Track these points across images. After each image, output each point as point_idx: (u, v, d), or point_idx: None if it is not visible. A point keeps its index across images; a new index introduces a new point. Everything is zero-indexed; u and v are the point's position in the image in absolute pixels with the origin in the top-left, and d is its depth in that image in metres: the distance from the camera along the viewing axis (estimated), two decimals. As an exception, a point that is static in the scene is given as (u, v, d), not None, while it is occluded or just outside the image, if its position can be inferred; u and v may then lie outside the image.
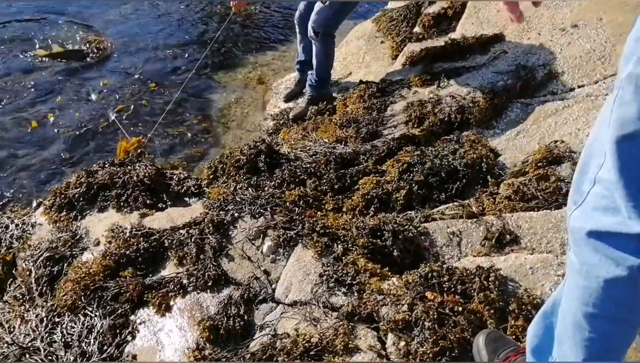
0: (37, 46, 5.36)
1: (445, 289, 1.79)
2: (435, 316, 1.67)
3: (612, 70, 2.79)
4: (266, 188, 2.86)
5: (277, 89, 4.75)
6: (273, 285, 2.18)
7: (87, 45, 5.37)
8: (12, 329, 2.54)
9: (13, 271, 2.97)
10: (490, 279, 1.80)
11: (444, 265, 1.92)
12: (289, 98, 4.49)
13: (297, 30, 4.26)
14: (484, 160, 2.58)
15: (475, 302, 1.72)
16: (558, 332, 1.28)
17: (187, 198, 3.15)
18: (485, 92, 3.04)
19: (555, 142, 2.52)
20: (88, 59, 5.24)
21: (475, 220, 2.26)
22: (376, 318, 1.80)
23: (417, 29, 4.35)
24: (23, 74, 5.04)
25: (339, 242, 2.19)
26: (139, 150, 3.71)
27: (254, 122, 4.49)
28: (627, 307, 1.09)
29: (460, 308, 1.68)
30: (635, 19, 1.01)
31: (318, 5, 3.70)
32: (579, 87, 2.83)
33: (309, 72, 4.11)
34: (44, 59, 5.21)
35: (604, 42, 2.96)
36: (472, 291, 1.77)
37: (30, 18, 5.90)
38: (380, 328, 1.76)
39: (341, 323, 1.79)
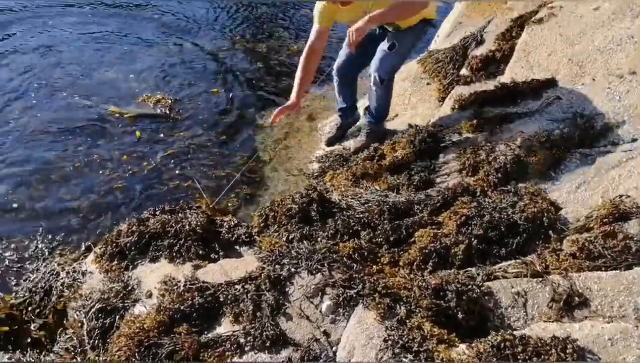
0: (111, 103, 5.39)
1: (520, 361, 1.71)
2: (514, 393, 1.60)
3: (677, 121, 2.70)
4: (319, 239, 2.83)
5: (322, 130, 4.75)
6: (334, 348, 2.13)
7: (154, 104, 5.30)
8: (63, 384, 2.53)
9: (64, 321, 2.98)
10: (567, 351, 1.71)
11: (516, 333, 1.84)
12: (331, 143, 4.50)
13: (337, 81, 4.25)
14: (545, 214, 2.51)
15: (554, 378, 1.65)
16: None
17: (237, 247, 3.13)
18: (542, 141, 2.98)
19: (621, 196, 2.43)
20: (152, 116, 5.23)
21: (540, 279, 2.18)
22: (448, 391, 1.74)
23: (464, 72, 4.33)
24: (83, 120, 5.12)
25: (402, 303, 2.13)
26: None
27: (299, 164, 4.48)
28: None
29: (540, 385, 1.61)
30: None
31: (382, 53, 3.69)
32: (641, 137, 2.75)
33: (366, 114, 4.12)
34: (115, 115, 5.18)
35: (666, 90, 2.88)
36: (550, 365, 1.69)
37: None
38: (453, 402, 1.69)
39: (411, 395, 1.73)
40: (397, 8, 3.28)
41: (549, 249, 2.38)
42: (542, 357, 1.71)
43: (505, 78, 3.88)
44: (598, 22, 3.65)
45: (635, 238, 2.26)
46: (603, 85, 3.16)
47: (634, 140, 2.75)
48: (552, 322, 1.96)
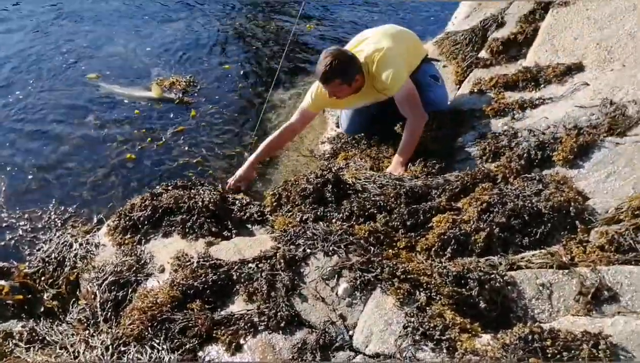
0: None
1: (550, 355, 1.65)
2: (543, 388, 1.54)
3: None
4: (334, 221, 2.77)
5: (335, 111, 4.65)
6: (350, 332, 2.08)
7: (168, 88, 5.17)
8: (76, 354, 2.50)
9: (76, 292, 2.97)
10: (600, 347, 1.65)
11: (545, 326, 1.77)
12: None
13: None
14: (572, 203, 2.42)
15: (585, 374, 1.58)
16: None
17: (249, 225, 3.08)
18: (568, 127, 2.88)
19: (654, 188, 2.35)
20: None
21: (566, 271, 2.11)
22: (471, 383, 1.68)
23: (483, 54, 4.21)
24: (94, 95, 5.10)
25: (422, 289, 2.07)
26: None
27: (310, 145, 4.40)
28: None
29: (570, 381, 1.55)
30: None
31: (435, 90, 3.68)
32: (676, 127, 2.65)
33: None
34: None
35: (702, 79, 2.77)
36: (581, 360, 1.62)
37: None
38: (477, 394, 1.63)
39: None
40: (412, 136, 3.30)
41: (576, 240, 2.30)
42: (573, 352, 1.65)
43: (528, 62, 3.76)
44: (629, 5, 3.52)
45: (668, 232, 2.18)
46: (634, 72, 3.05)
47: (666, 130, 2.66)
48: (581, 316, 1.89)
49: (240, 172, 3.66)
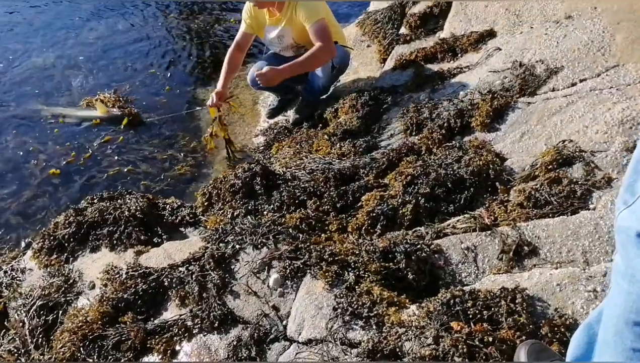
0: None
1: (471, 316, 1.66)
2: (464, 349, 1.55)
3: (613, 62, 2.68)
4: (265, 213, 2.74)
5: (265, 102, 4.62)
6: (284, 322, 2.05)
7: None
8: (9, 387, 2.41)
9: (5, 322, 2.84)
10: (517, 301, 1.68)
11: (466, 289, 1.79)
12: (273, 115, 4.39)
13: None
14: (491, 166, 2.46)
15: (504, 329, 1.60)
16: (599, 341, 1.17)
17: (182, 229, 3.01)
18: (484, 93, 2.93)
19: (564, 141, 2.41)
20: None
21: (489, 232, 2.14)
22: (400, 354, 1.68)
23: (403, 30, 4.25)
24: (13, 114, 4.88)
25: (350, 269, 2.06)
26: None
27: (243, 139, 4.35)
28: None
29: (490, 338, 1.56)
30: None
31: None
32: (580, 81, 2.71)
33: (305, 87, 4.02)
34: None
35: (602, 32, 2.85)
36: (500, 316, 1.65)
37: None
38: (406, 365, 1.63)
39: (363, 362, 1.67)
40: (308, 57, 3.59)
41: (497, 201, 2.34)
42: (492, 309, 1.67)
43: (445, 33, 3.81)
44: (533, -32, 3.61)
45: (579, 182, 2.24)
46: (540, 32, 3.12)
47: (573, 84, 2.72)
48: (502, 273, 1.92)
49: (214, 93, 3.89)
